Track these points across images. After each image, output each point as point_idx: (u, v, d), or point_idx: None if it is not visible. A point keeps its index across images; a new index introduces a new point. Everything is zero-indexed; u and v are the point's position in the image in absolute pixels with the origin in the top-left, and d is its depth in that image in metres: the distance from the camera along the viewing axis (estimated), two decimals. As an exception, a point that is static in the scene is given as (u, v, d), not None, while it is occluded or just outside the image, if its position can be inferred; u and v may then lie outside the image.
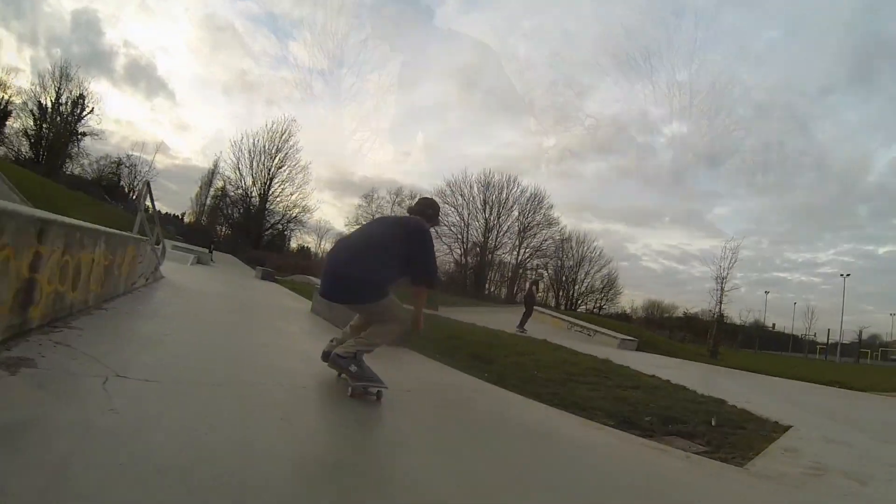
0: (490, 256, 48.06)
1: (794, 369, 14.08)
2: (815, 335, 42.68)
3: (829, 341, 38.87)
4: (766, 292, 48.70)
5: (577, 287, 50.13)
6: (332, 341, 3.43)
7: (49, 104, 37.69)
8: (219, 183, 46.00)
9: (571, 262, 49.05)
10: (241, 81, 61.18)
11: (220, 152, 49.32)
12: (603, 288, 50.04)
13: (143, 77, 62.58)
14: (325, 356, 3.33)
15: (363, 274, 3.04)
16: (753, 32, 61.08)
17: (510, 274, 49.43)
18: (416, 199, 3.64)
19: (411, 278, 3.20)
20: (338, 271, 3.16)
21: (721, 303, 24.53)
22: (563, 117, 64.26)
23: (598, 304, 49.52)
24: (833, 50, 56.95)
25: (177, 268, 11.03)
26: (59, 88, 37.78)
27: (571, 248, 48.83)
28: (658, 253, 75.68)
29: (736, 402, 4.99)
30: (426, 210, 3.46)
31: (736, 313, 42.12)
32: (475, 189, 46.73)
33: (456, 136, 66.89)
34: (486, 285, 48.56)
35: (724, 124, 61.16)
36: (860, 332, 40.86)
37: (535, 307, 14.65)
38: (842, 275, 36.99)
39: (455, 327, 8.92)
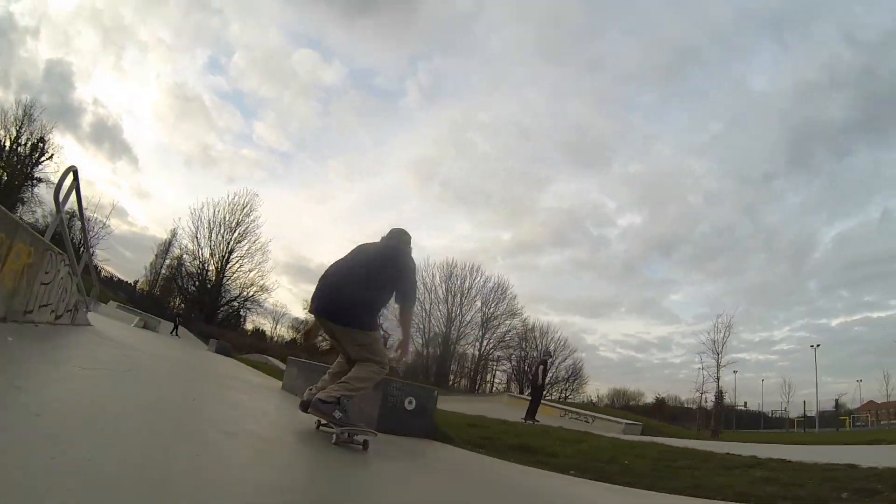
0: (453, 348, 46.30)
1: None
2: (786, 410, 41.28)
3: (806, 413, 37.19)
4: (735, 371, 48.00)
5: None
6: (310, 389, 3.23)
7: (7, 143, 34.98)
8: (175, 251, 43.51)
9: (535, 353, 47.57)
10: (204, 155, 61.69)
11: (179, 219, 47.49)
12: (569, 377, 48.39)
13: (107, 137, 61.02)
14: (305, 405, 3.09)
15: (357, 294, 3.10)
16: (699, 125, 67.62)
17: (472, 365, 47.45)
18: (388, 231, 3.56)
19: (399, 299, 3.22)
20: (334, 290, 3.18)
21: (719, 379, 23.49)
22: (519, 210, 65.98)
23: (563, 394, 47.40)
24: (772, 138, 61.92)
25: (116, 325, 9.31)
26: (20, 128, 35.20)
27: (535, 338, 47.68)
28: (615, 342, 78.10)
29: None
30: (402, 237, 3.48)
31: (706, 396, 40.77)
32: (437, 278, 46.21)
33: (412, 226, 64.65)
34: (449, 377, 46.21)
35: (675, 213, 64.10)
36: (836, 401, 39.95)
37: (542, 394, 11.83)
38: (812, 346, 36.21)
39: (463, 417, 7.76)
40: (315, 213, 69.37)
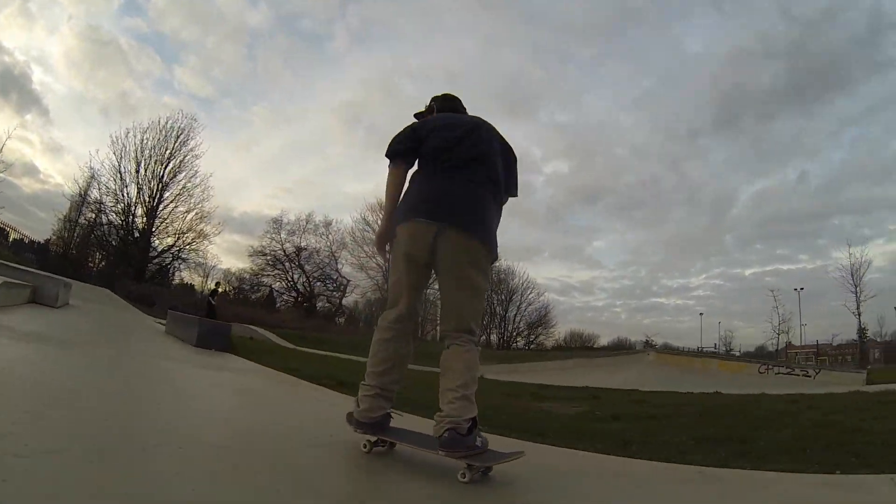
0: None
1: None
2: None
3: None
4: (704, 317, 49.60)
5: (508, 325, 47.50)
6: (366, 396, 2.12)
7: None
8: (95, 194, 35.00)
9: (503, 297, 46.13)
10: (122, 103, 53.75)
11: (97, 151, 36.98)
12: (537, 323, 47.51)
13: (14, 87, 50.23)
14: (381, 429, 2.13)
15: (496, 197, 2.21)
16: (632, 81, 68.52)
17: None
18: (443, 99, 2.51)
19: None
20: (474, 184, 2.13)
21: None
22: None
23: (532, 341, 47.03)
24: (702, 98, 64.86)
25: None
26: None
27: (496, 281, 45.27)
28: (539, 286, 78.29)
29: None
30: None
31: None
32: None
33: (338, 172, 67.11)
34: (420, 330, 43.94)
35: (602, 163, 65.26)
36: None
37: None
38: (795, 289, 37.39)
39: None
40: (238, 161, 64.47)
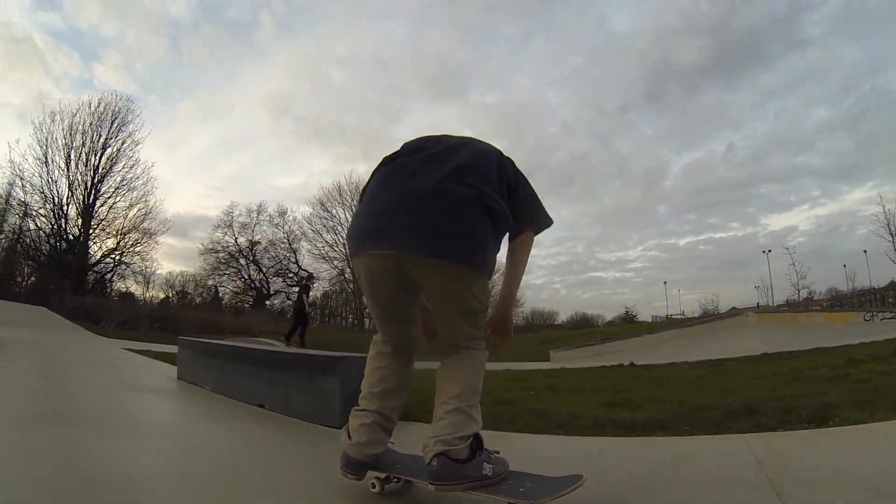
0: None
1: None
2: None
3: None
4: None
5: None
6: (363, 424, 1.73)
7: None
8: (18, 193, 29.31)
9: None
10: (39, 105, 51.41)
11: (18, 141, 31.47)
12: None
13: None
14: (380, 465, 1.75)
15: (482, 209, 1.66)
16: (559, 59, 68.92)
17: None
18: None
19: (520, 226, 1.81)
20: (434, 194, 1.62)
21: None
22: (376, 142, 64.05)
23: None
24: (629, 73, 65.75)
25: None
26: None
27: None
28: None
29: None
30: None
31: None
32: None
33: (268, 165, 66.14)
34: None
35: (533, 141, 66.00)
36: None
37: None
38: (787, 248, 38.28)
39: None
40: (166, 162, 62.79)
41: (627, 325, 37.23)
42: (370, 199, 1.74)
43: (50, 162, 29.58)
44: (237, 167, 63.55)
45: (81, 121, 30.35)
